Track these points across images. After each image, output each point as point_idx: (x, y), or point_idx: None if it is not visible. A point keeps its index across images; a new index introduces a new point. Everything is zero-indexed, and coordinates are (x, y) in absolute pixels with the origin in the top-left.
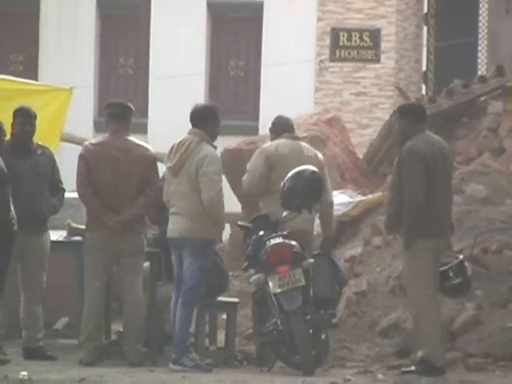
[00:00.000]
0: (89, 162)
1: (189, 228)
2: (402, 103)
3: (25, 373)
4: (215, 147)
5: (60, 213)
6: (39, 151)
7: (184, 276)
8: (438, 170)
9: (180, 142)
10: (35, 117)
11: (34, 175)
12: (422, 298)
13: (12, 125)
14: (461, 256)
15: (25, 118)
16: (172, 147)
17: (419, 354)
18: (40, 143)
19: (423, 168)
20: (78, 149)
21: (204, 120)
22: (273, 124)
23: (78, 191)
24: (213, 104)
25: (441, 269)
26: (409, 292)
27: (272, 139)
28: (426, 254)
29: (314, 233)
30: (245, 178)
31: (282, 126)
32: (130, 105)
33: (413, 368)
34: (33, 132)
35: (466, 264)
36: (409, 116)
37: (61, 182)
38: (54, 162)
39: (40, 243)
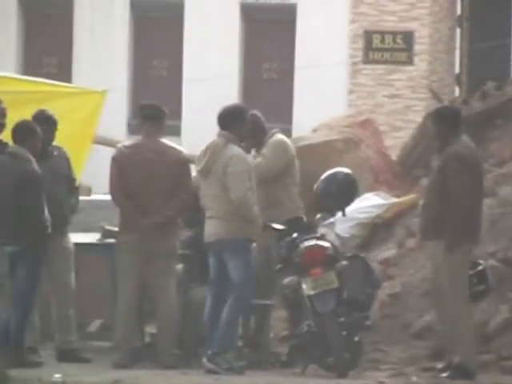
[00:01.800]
0: (122, 164)
1: (225, 230)
2: (438, 107)
3: (58, 375)
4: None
5: (93, 215)
6: (55, 152)
7: (232, 277)
8: (479, 175)
9: (208, 145)
10: (56, 122)
11: (54, 176)
12: (460, 301)
13: None
14: (482, 263)
15: (47, 126)
16: (202, 151)
17: (456, 359)
18: (54, 144)
19: (470, 173)
20: (112, 151)
21: (230, 121)
22: (259, 119)
23: (111, 193)
24: (240, 105)
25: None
26: (449, 296)
27: (258, 136)
28: (467, 258)
29: (347, 235)
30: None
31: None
32: (163, 107)
33: (448, 373)
34: (54, 137)
35: (488, 272)
36: (446, 121)
37: (75, 181)
38: (68, 161)
39: (64, 244)
